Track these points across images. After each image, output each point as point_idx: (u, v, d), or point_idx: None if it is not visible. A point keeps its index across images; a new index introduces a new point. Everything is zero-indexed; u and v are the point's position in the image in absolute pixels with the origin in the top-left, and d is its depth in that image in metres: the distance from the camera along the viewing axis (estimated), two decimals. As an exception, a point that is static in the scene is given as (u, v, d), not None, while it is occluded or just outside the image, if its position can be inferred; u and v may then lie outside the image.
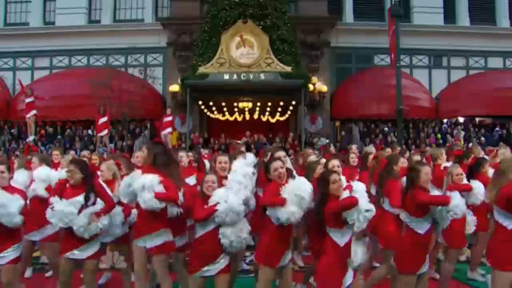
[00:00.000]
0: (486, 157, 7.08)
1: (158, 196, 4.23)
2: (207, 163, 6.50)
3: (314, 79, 17.12)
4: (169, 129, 14.70)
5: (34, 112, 13.74)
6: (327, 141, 16.90)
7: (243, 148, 7.88)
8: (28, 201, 4.87)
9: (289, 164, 4.93)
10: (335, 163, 5.01)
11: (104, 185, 4.80)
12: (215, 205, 4.14)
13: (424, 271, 4.19)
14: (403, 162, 5.43)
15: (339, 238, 3.77)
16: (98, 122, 14.13)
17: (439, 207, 4.09)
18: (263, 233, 4.25)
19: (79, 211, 4.43)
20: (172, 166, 4.55)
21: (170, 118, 14.65)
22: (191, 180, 5.68)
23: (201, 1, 18.74)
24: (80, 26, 20.00)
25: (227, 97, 16.93)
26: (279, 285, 4.63)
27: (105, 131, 14.23)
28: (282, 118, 18.16)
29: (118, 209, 4.88)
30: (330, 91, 18.65)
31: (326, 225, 3.84)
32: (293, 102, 16.91)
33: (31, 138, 14.09)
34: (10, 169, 4.70)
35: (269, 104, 17.42)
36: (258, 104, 17.44)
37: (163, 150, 4.55)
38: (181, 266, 5.12)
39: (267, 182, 4.35)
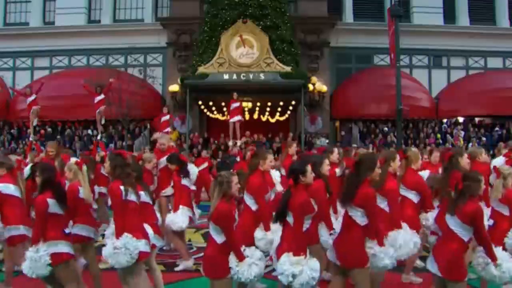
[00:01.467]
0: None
1: None
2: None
3: (314, 79, 17.11)
4: (168, 129, 14.72)
5: (37, 107, 13.83)
6: (327, 141, 16.92)
7: (294, 146, 7.61)
8: None
9: None
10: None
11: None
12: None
13: None
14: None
15: (360, 217, 4.02)
16: (95, 100, 14.15)
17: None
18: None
19: None
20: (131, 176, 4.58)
21: (167, 117, 14.68)
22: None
23: (201, 1, 18.74)
24: (80, 26, 20.01)
25: (227, 97, 16.92)
26: None
27: (103, 107, 14.25)
28: (281, 118, 18.17)
29: None
30: (330, 91, 18.65)
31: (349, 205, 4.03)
32: (293, 102, 16.91)
33: (31, 138, 14.16)
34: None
35: (269, 104, 17.42)
36: (258, 104, 17.44)
37: (122, 162, 4.59)
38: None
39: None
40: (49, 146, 7.02)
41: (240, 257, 3.97)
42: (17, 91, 16.08)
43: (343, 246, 4.09)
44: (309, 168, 4.11)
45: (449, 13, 20.32)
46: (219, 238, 3.95)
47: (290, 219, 3.96)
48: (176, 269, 6.22)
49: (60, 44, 19.83)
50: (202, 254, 6.93)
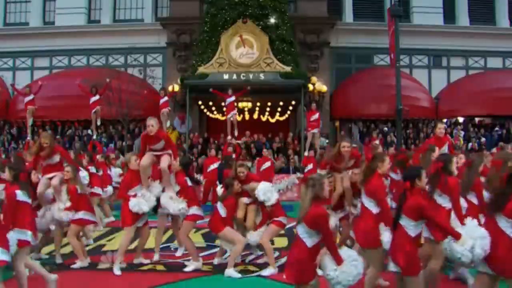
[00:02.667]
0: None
1: None
2: None
3: (314, 79, 17.12)
4: (168, 108, 14.90)
5: (33, 107, 13.88)
6: (327, 141, 16.90)
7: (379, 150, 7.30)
8: None
9: None
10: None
11: None
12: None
13: None
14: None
15: (510, 228, 4.01)
16: (90, 101, 14.20)
17: None
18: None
19: None
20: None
21: (166, 99, 14.87)
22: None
23: (201, 1, 18.75)
24: (80, 26, 20.00)
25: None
26: None
27: (98, 107, 14.29)
28: (281, 118, 18.17)
29: None
30: (330, 91, 18.64)
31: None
32: (293, 102, 16.92)
33: (29, 137, 14.22)
34: None
35: (269, 104, 17.43)
36: (258, 104, 17.44)
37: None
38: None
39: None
40: (43, 137, 6.83)
41: (339, 260, 3.94)
42: (17, 90, 16.10)
43: (494, 255, 4.07)
44: (424, 173, 4.22)
45: (449, 13, 20.31)
46: (310, 241, 3.88)
47: (404, 221, 4.05)
48: (186, 269, 6.21)
49: (60, 44, 19.81)
50: (202, 254, 7.00)
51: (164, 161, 6.59)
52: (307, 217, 3.87)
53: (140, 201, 6.36)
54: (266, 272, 6.01)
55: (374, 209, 4.78)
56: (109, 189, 10.18)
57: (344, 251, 4.07)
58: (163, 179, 6.69)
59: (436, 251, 4.82)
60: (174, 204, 6.50)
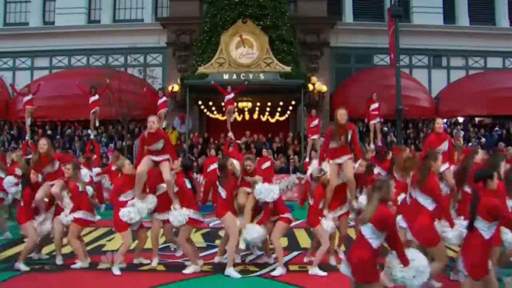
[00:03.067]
0: None
1: None
2: None
3: (314, 79, 17.13)
4: (166, 109, 14.90)
5: (32, 107, 13.89)
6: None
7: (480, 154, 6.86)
8: None
9: None
10: None
11: None
12: None
13: None
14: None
15: None
16: (89, 101, 14.22)
17: None
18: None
19: None
20: None
21: (164, 99, 14.85)
22: None
23: (201, 1, 18.76)
24: (80, 26, 20.01)
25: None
26: None
27: (97, 108, 14.29)
28: (281, 118, 18.16)
29: None
30: (330, 91, 18.65)
31: None
32: (293, 102, 16.91)
33: (27, 137, 14.25)
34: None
35: (269, 104, 17.42)
36: (258, 104, 17.43)
37: None
38: None
39: None
40: (40, 145, 6.98)
41: (405, 261, 4.00)
42: (16, 90, 16.11)
43: None
44: (495, 173, 4.31)
45: (449, 13, 20.33)
46: (376, 243, 3.92)
47: (478, 223, 4.09)
48: (184, 271, 6.14)
49: (60, 44, 19.82)
50: (202, 254, 6.99)
51: (166, 172, 6.44)
52: (375, 219, 3.91)
53: (131, 210, 6.25)
54: (276, 272, 5.98)
55: (431, 206, 4.90)
56: (89, 189, 10.13)
57: (409, 252, 4.12)
58: (168, 191, 6.48)
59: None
60: (178, 215, 6.25)
